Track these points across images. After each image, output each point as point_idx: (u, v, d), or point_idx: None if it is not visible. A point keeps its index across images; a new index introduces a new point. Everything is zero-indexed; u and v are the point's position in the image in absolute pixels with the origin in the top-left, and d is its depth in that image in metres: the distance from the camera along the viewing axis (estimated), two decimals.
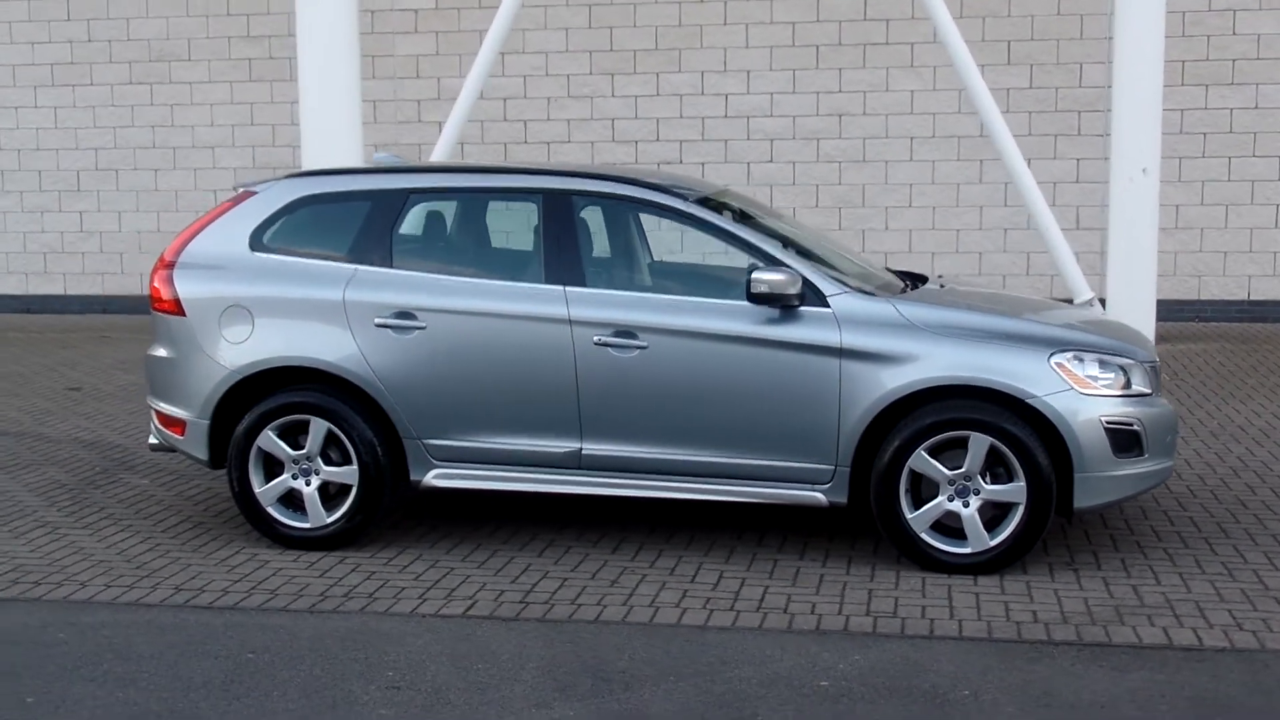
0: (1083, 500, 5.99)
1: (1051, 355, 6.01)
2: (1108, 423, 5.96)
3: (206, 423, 6.56)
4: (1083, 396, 5.95)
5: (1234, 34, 13.96)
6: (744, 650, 5.18)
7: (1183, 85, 13.92)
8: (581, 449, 6.28)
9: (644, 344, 6.18)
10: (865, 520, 6.70)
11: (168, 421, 6.73)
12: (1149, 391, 6.17)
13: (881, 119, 14.61)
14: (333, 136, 13.17)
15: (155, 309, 6.72)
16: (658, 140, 14.97)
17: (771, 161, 14.82)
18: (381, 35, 15.06)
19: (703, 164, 14.86)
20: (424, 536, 6.72)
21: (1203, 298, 14.23)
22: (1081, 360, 6.03)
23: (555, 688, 4.83)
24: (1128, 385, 6.09)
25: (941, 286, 6.90)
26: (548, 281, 6.35)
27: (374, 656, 5.15)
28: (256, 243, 6.61)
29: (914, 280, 6.97)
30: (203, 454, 6.62)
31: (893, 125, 14.60)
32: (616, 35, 14.94)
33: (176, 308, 6.60)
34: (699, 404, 6.17)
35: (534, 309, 6.28)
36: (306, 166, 13.32)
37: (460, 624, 5.52)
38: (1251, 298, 14.13)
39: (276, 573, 6.20)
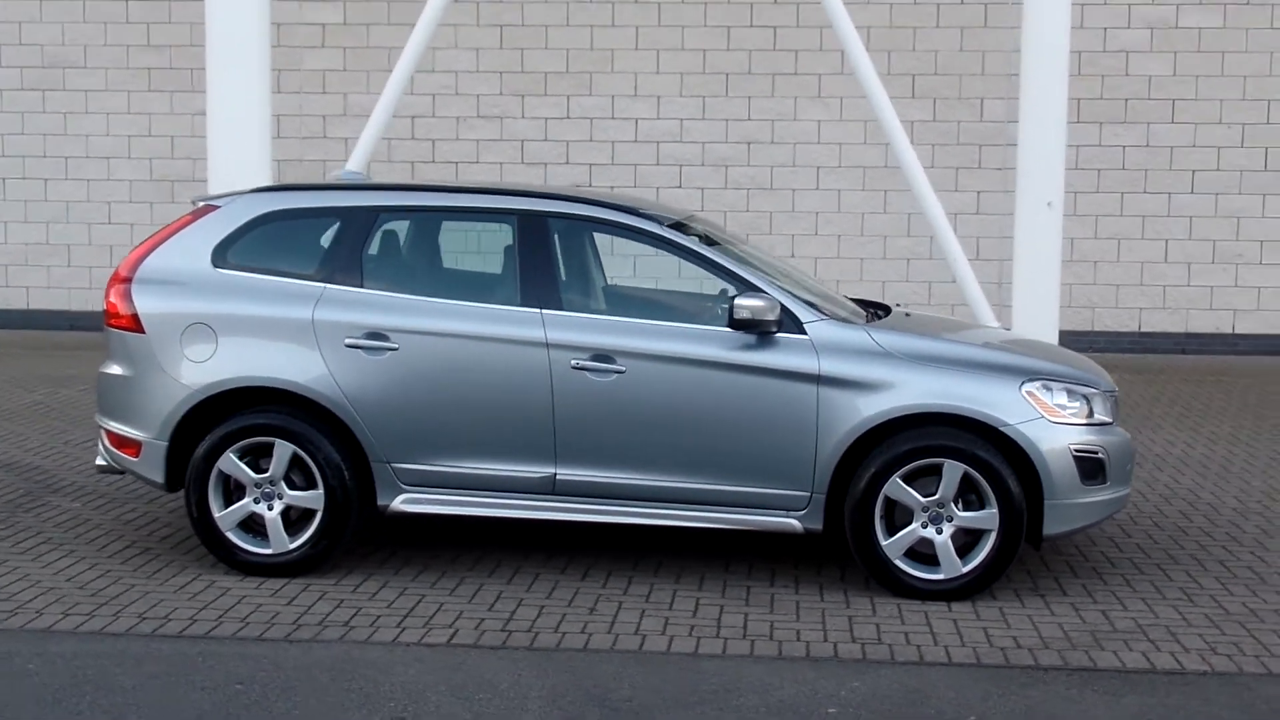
0: (1051, 527, 6.12)
1: (1023, 384, 6.14)
2: (1076, 451, 6.10)
3: (165, 444, 6.35)
4: (1052, 425, 6.09)
5: (1126, 74, 14.44)
6: (741, 678, 5.17)
7: (1079, 122, 14.31)
8: (556, 474, 6.23)
9: (621, 368, 6.16)
10: (836, 546, 6.76)
11: (120, 442, 6.50)
12: (1110, 420, 6.34)
13: (789, 148, 14.79)
14: (242, 150, 12.90)
15: (110, 325, 6.50)
16: (567, 163, 14.95)
17: (680, 187, 14.89)
18: (289, 49, 14.78)
19: (612, 187, 14.87)
20: (385, 562, 6.59)
21: (1096, 329, 14.65)
22: (1050, 389, 6.17)
23: (564, 718, 4.77)
24: (1091, 414, 6.24)
25: (907, 315, 7.00)
26: (523, 304, 6.30)
27: (368, 687, 5.03)
28: (219, 259, 6.44)
29: (876, 308, 7.05)
30: (159, 477, 6.41)
31: (800, 154, 14.79)
32: (528, 57, 14.90)
33: (134, 324, 6.39)
34: (676, 429, 6.17)
35: (510, 331, 6.22)
36: (214, 181, 13.02)
37: (447, 653, 5.42)
38: (1142, 329, 14.60)
39: (241, 600, 6.02)
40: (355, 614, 5.87)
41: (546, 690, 5.02)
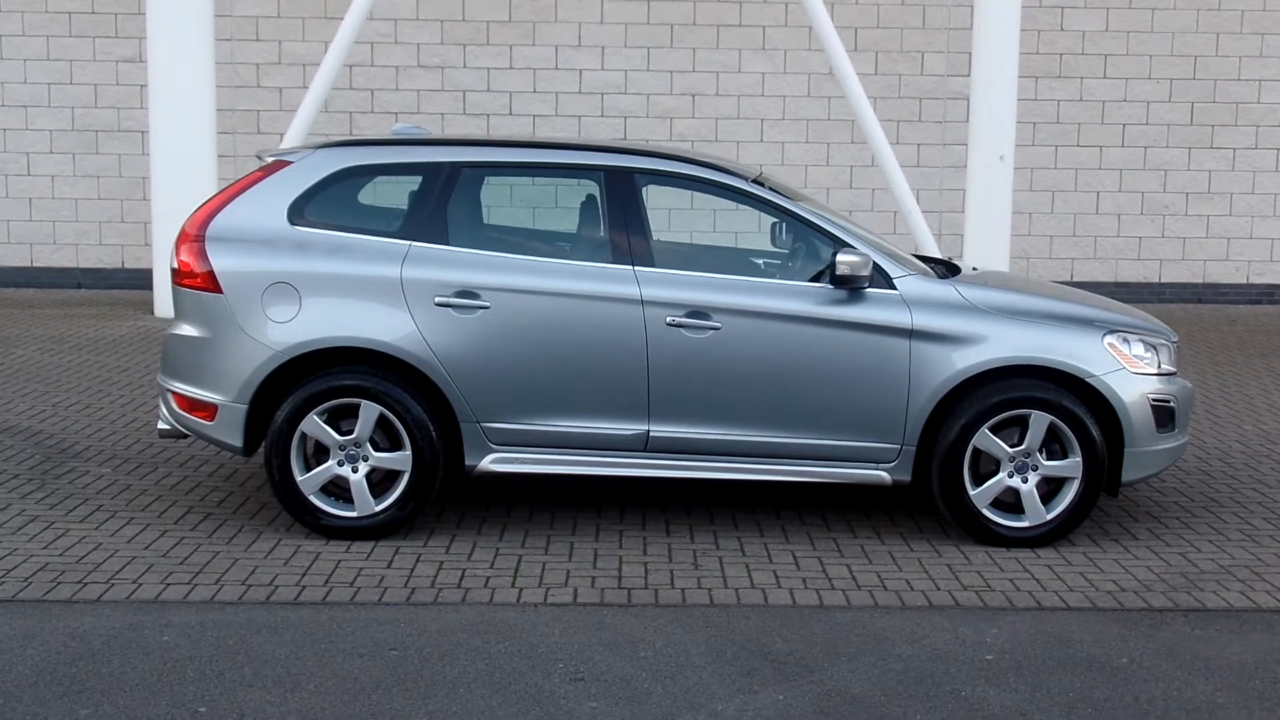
0: (1130, 474, 6.34)
1: (1104, 336, 6.32)
2: (1153, 400, 6.31)
3: (244, 407, 6.18)
4: (1132, 376, 6.29)
5: (1061, 30, 14.81)
6: (884, 628, 5.27)
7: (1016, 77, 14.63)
8: (649, 431, 6.23)
9: (717, 325, 6.18)
10: (915, 497, 6.89)
11: (191, 406, 6.30)
12: (1174, 370, 6.56)
13: (734, 100, 14.85)
14: (183, 98, 12.58)
15: (182, 284, 6.28)
16: (510, 114, 14.79)
17: (625, 139, 14.83)
18: None
19: None
20: (460, 523, 6.52)
21: None
22: (1128, 341, 6.37)
23: (740, 672, 4.81)
24: (1159, 365, 6.45)
25: (974, 270, 7.13)
26: (614, 260, 6.26)
27: (526, 648, 5.00)
28: (296, 215, 6.27)
29: (937, 264, 7.16)
30: (236, 441, 6.24)
31: (744, 106, 14.86)
32: (469, 5, 14.67)
33: (210, 283, 6.18)
34: (770, 385, 6.21)
35: (605, 288, 6.19)
36: (157, 131, 12.62)
37: (580, 612, 5.41)
38: (1074, 278, 15.04)
39: (337, 565, 5.92)
40: (462, 576, 5.81)
41: (704, 646, 5.05)
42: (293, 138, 12.89)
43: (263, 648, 4.97)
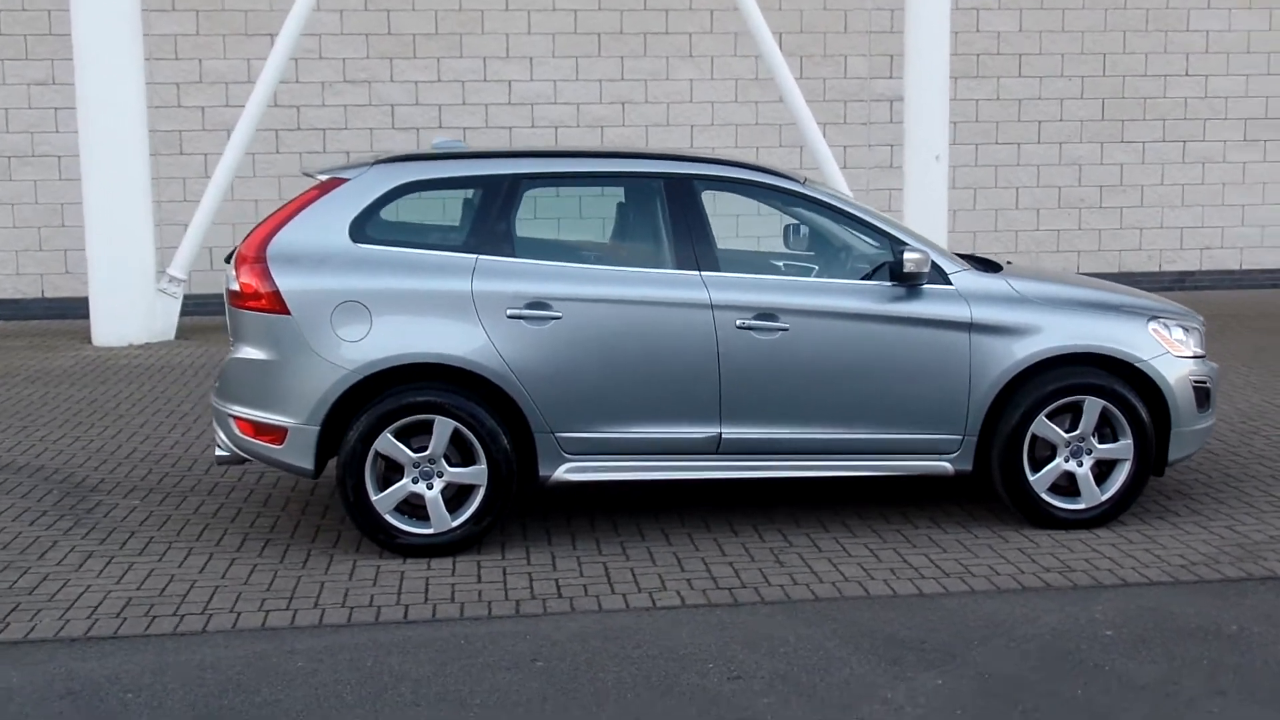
0: (1175, 453, 6.61)
1: (1149, 322, 6.58)
2: (1194, 382, 6.60)
3: (316, 429, 6.09)
4: (1175, 360, 6.56)
5: (978, 31, 15.26)
6: (994, 612, 5.42)
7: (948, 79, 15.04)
8: (721, 433, 6.31)
9: (785, 326, 6.28)
10: (967, 485, 7.08)
11: (257, 430, 6.19)
12: (1204, 353, 6.86)
13: (663, 107, 14.99)
14: (115, 120, 12.29)
15: (244, 306, 6.17)
16: (440, 127, 14.71)
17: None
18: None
19: None
20: (524, 535, 6.51)
21: None
22: (1169, 327, 6.64)
23: (887, 661, 4.92)
24: (1193, 348, 6.74)
25: (1009, 263, 7.35)
26: (679, 266, 6.33)
27: (663, 651, 5.04)
28: (358, 233, 6.20)
29: (976, 261, 7.33)
30: (308, 463, 6.14)
31: (674, 113, 15.01)
32: (394, 18, 14.56)
33: (277, 304, 6.08)
34: (837, 383, 6.34)
35: (675, 294, 6.25)
36: (86, 151, 12.27)
37: (695, 613, 5.46)
38: None
39: (429, 582, 5.87)
40: (557, 586, 5.81)
41: (836, 639, 5.14)
42: (230, 159, 12.67)
43: (404, 667, 4.92)
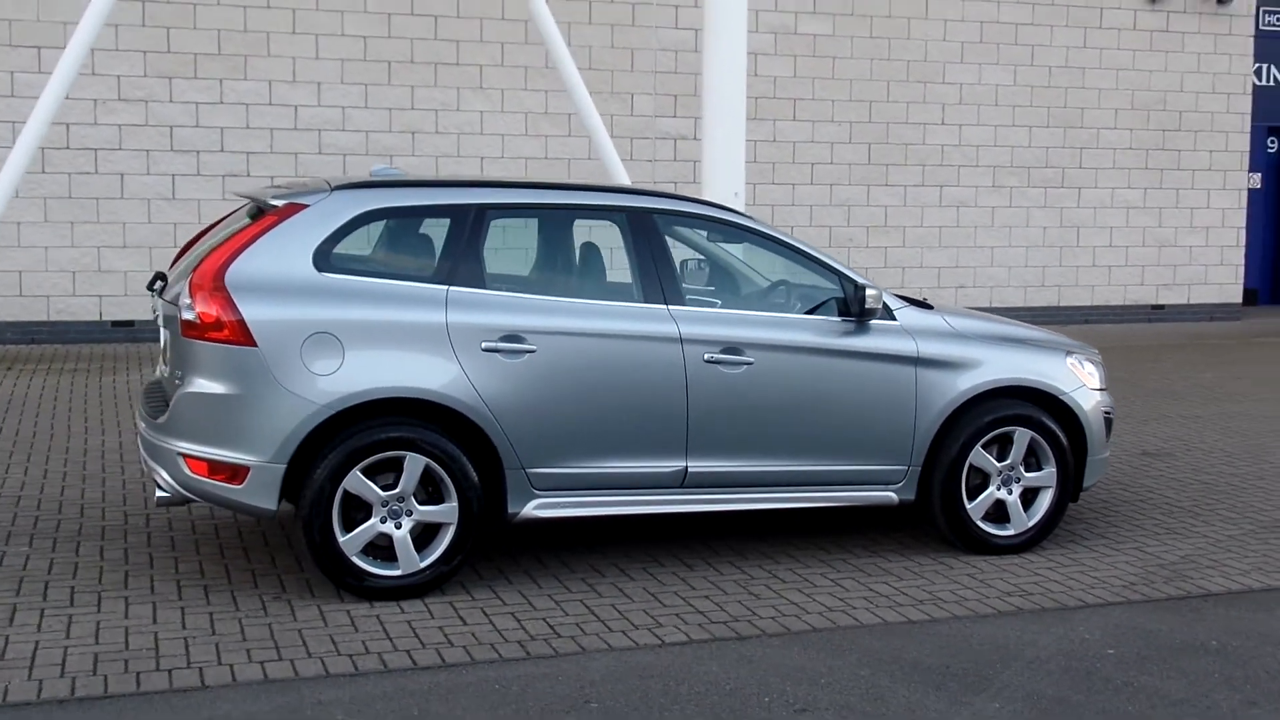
0: (1088, 480, 7.03)
1: (1066, 357, 6.99)
2: (1105, 412, 7.05)
3: (282, 467, 5.74)
4: (1090, 392, 6.99)
5: (755, 75, 15.77)
6: (993, 636, 5.62)
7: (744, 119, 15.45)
8: (687, 467, 6.31)
9: (750, 359, 6.35)
10: (884, 514, 7.29)
11: (212, 469, 5.78)
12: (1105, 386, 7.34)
13: (454, 138, 14.83)
14: None
15: (201, 337, 5.75)
16: (222, 150, 14.10)
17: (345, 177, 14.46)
18: None
19: (272, 177, 14.21)
20: (477, 574, 6.33)
21: None
22: (1081, 361, 7.07)
23: (931, 686, 5.03)
24: (1100, 381, 7.20)
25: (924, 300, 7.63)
26: (646, 300, 6.31)
27: (708, 688, 4.99)
28: (323, 261, 5.90)
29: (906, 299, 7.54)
30: (270, 503, 5.78)
31: (464, 145, 14.87)
32: (174, 37, 13.87)
33: (241, 335, 5.70)
34: (797, 415, 6.45)
35: (647, 328, 6.22)
36: None
37: (712, 648, 5.43)
38: None
39: (414, 624, 5.62)
40: (550, 626, 5.67)
41: (867, 668, 5.21)
42: (8, 180, 11.79)
43: (455, 713, 4.71)
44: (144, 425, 6.22)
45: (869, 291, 6.46)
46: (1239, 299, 18.24)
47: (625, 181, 13.30)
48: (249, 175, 14.11)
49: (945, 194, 16.57)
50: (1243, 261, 18.19)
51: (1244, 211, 18.04)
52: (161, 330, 6.56)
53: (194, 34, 13.89)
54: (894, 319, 6.67)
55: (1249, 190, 18.41)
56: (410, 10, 14.53)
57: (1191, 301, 17.93)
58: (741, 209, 13.63)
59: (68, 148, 13.60)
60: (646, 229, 6.40)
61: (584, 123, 13.29)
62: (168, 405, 6.05)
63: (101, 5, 11.77)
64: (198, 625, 5.58)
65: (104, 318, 13.99)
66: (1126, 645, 5.55)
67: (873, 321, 6.61)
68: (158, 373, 6.69)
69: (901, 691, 4.99)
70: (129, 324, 14.04)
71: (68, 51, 11.78)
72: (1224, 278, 18.06)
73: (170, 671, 5.07)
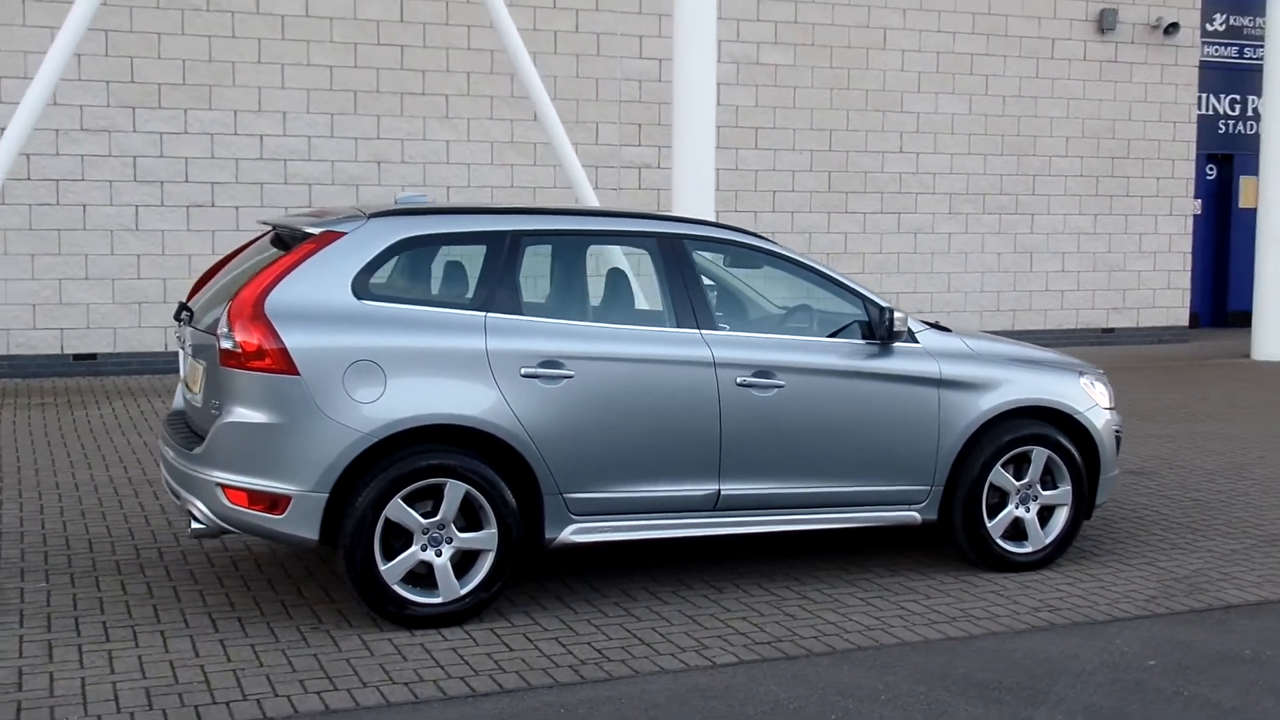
0: (1100, 497, 7.17)
1: (1079, 377, 7.13)
2: (1115, 430, 7.19)
3: (324, 496, 5.70)
4: (1102, 411, 7.14)
5: (719, 104, 15.83)
6: (1035, 650, 5.71)
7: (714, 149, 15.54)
8: (720, 490, 6.35)
9: (781, 383, 6.41)
10: (892, 533, 7.38)
11: (252, 499, 5.73)
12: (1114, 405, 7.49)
13: (420, 167, 14.80)
14: None
15: (242, 367, 5.70)
16: (186, 181, 13.96)
17: (310, 206, 14.39)
18: None
19: (237, 208, 14.10)
20: (511, 602, 6.31)
21: None
22: (1092, 382, 7.21)
23: (990, 701, 5.09)
24: (1110, 400, 7.34)
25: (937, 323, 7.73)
26: (679, 325, 6.36)
27: (775, 707, 5.02)
28: (361, 289, 5.88)
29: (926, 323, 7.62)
30: (311, 533, 5.74)
31: (430, 174, 14.84)
32: (138, 67, 13.74)
33: (284, 364, 5.67)
34: (826, 437, 6.52)
35: (681, 353, 6.26)
36: None
37: (766, 668, 5.47)
38: None
39: (461, 653, 5.60)
40: (598, 650, 5.67)
41: (923, 685, 5.27)
42: None
43: None
44: (172, 454, 6.15)
45: (896, 315, 6.55)
46: (1186, 321, 18.63)
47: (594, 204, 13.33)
48: (213, 206, 13.99)
49: (903, 221, 16.79)
50: (1189, 285, 18.59)
51: (1190, 237, 18.46)
52: (184, 360, 6.51)
53: (158, 64, 13.76)
54: (916, 341, 6.76)
55: (1193, 216, 18.84)
56: (377, 40, 14.50)
57: (1141, 325, 18.29)
58: None
59: (28, 179, 13.40)
60: (677, 253, 6.45)
61: (555, 151, 13.33)
62: (199, 435, 6.00)
63: (70, 35, 11.65)
64: (242, 658, 5.53)
65: (65, 351, 13.77)
66: (1166, 656, 5.66)
67: (896, 344, 6.70)
68: (182, 402, 6.62)
69: (963, 706, 5.05)
70: (91, 357, 13.83)
71: (35, 83, 11.63)
72: (1171, 301, 18.44)
73: (229, 704, 5.02)
